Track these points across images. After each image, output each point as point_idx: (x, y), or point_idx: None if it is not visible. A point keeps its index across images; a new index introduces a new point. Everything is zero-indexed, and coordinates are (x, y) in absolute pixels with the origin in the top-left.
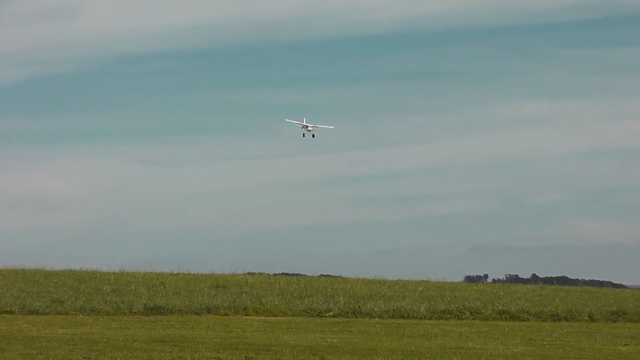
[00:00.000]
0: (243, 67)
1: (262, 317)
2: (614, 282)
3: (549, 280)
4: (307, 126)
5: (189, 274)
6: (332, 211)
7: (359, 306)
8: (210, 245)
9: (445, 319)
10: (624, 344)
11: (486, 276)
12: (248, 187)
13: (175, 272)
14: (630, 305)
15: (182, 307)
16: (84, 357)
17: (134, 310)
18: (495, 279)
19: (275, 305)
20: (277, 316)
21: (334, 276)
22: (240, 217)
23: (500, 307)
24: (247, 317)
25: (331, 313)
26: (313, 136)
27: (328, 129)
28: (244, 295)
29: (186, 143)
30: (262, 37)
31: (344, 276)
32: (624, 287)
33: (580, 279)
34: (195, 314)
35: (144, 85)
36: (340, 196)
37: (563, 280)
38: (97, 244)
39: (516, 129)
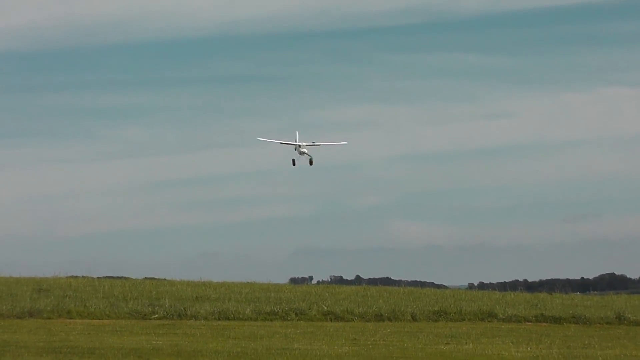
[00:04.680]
0: (63, 69)
1: (86, 321)
2: (436, 282)
3: (372, 282)
4: (300, 146)
5: (10, 277)
6: (154, 215)
7: (184, 308)
8: (32, 249)
9: (271, 320)
10: (445, 343)
11: (311, 278)
12: (70, 191)
13: None
14: (451, 305)
15: (3, 311)
16: None
17: None
18: (320, 280)
19: (99, 308)
20: (102, 319)
21: (159, 279)
22: (62, 221)
23: (325, 308)
24: (71, 320)
25: (156, 315)
26: (310, 163)
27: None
28: (67, 299)
29: (6, 146)
30: (83, 40)
31: (169, 279)
32: (445, 287)
33: (403, 280)
34: (17, 317)
35: None
36: (162, 200)
37: (386, 281)
38: None
39: (339, 133)
